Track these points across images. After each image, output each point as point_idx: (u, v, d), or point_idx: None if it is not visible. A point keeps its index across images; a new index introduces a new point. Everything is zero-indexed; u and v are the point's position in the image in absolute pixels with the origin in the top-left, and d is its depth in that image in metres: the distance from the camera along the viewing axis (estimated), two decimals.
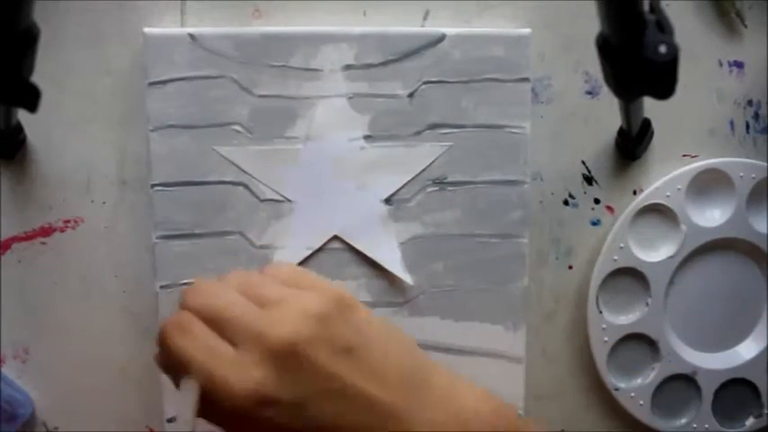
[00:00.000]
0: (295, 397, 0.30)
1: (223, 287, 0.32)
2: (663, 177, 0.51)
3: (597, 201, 0.52)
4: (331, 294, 0.32)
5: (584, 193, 0.52)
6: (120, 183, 0.48)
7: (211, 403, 0.29)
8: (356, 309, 0.32)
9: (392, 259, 0.48)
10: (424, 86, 0.47)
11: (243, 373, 0.29)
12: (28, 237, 0.48)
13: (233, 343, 0.30)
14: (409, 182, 0.48)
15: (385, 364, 0.32)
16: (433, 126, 0.47)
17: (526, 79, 0.48)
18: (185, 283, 0.46)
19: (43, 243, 0.48)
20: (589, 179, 0.51)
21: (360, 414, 0.30)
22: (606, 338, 0.51)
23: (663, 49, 0.35)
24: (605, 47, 0.37)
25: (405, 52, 0.47)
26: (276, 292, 0.32)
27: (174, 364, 0.31)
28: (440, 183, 0.48)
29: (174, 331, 0.31)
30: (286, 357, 0.29)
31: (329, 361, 0.30)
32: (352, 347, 0.31)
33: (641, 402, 0.52)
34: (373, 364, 0.31)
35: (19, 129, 0.46)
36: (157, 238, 0.46)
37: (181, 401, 0.30)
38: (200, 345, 0.30)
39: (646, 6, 0.35)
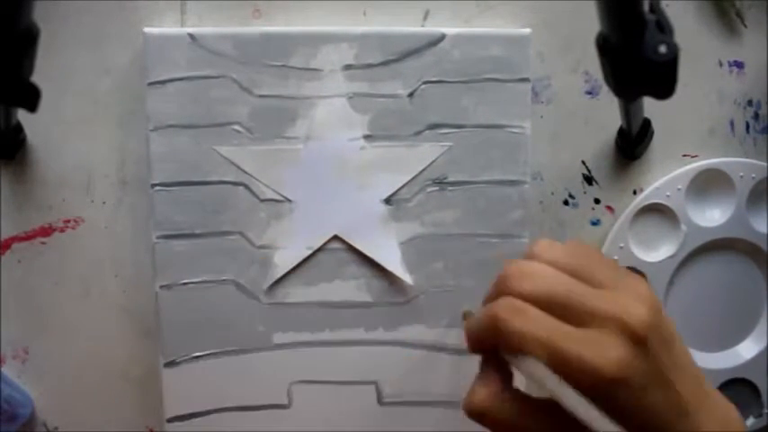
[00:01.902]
0: (644, 380, 0.30)
1: (547, 270, 0.32)
2: (663, 177, 0.51)
3: (597, 201, 0.52)
4: (645, 285, 0.32)
5: (584, 193, 0.52)
6: (120, 183, 0.48)
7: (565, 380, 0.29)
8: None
9: (392, 259, 0.48)
10: (423, 86, 0.47)
11: (604, 352, 0.29)
12: (28, 237, 0.48)
13: (578, 324, 0.30)
14: (409, 182, 0.48)
15: (685, 363, 0.32)
16: (433, 126, 0.47)
17: (526, 79, 0.48)
18: (185, 283, 0.47)
19: (43, 243, 0.48)
20: (589, 179, 0.51)
21: (666, 405, 0.31)
22: None
23: (663, 49, 0.35)
24: (605, 47, 0.37)
25: (405, 52, 0.47)
26: (607, 275, 0.32)
27: (511, 349, 0.31)
28: (440, 183, 0.48)
29: (510, 314, 0.30)
30: (642, 341, 0.29)
31: (661, 350, 0.30)
32: (673, 340, 0.32)
33: None
34: (679, 361, 0.32)
35: (19, 129, 0.46)
36: (157, 238, 0.46)
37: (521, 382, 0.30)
38: (543, 324, 0.30)
39: (646, 6, 0.35)
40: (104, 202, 0.48)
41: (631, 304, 0.30)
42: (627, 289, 0.31)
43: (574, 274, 0.32)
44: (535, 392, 0.32)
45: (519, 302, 0.31)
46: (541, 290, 0.31)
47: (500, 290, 0.32)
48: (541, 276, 0.31)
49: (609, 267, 0.32)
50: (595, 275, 0.32)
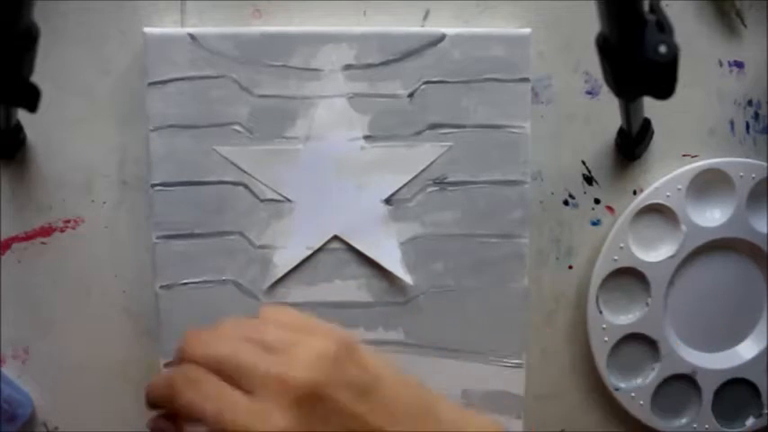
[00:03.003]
0: None
1: (224, 335, 0.32)
2: (663, 177, 0.51)
3: (597, 201, 0.52)
4: (337, 336, 0.32)
5: (585, 193, 0.52)
6: (120, 183, 0.48)
7: None
8: (362, 349, 0.32)
9: (392, 259, 0.48)
10: (424, 86, 0.47)
11: (266, 421, 0.29)
12: (28, 237, 0.48)
13: (247, 391, 0.30)
14: (409, 182, 0.48)
15: (397, 401, 0.32)
16: (433, 126, 0.47)
17: (526, 79, 0.48)
18: (185, 283, 0.47)
19: (43, 243, 0.48)
20: (589, 179, 0.51)
21: None
22: (606, 338, 0.51)
23: (663, 49, 0.35)
24: (605, 47, 0.37)
25: (405, 52, 0.47)
26: (283, 337, 0.31)
27: (186, 419, 0.31)
28: (440, 183, 0.48)
29: (183, 385, 0.31)
30: (308, 401, 0.29)
31: (349, 402, 0.30)
32: (368, 387, 0.31)
33: (641, 402, 0.52)
34: (387, 403, 0.31)
35: (19, 129, 0.46)
36: (157, 238, 0.46)
37: None
38: (213, 396, 0.30)
39: (646, 6, 0.35)
40: (104, 202, 0.48)
41: (295, 365, 0.30)
42: (300, 349, 0.31)
43: (247, 337, 0.32)
44: None
45: (195, 371, 0.31)
46: (211, 354, 0.31)
47: (180, 355, 0.32)
48: (213, 341, 0.32)
49: (286, 328, 0.32)
50: (267, 338, 0.31)
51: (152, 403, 0.33)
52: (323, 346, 0.31)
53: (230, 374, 0.30)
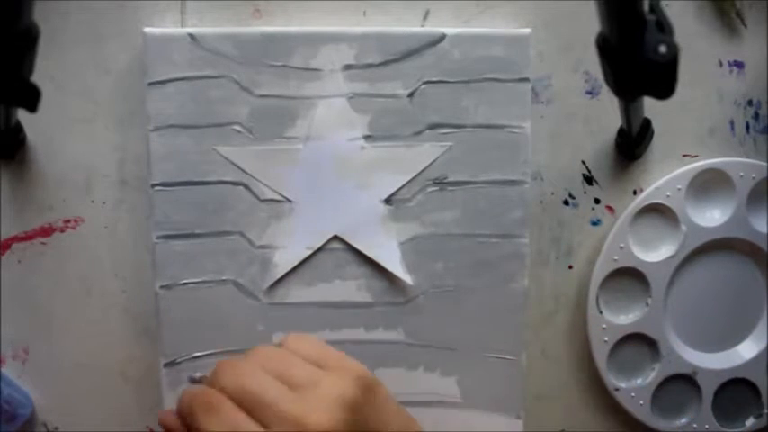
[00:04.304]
0: None
1: (252, 367, 0.33)
2: (663, 177, 0.51)
3: (597, 201, 0.52)
4: (356, 375, 0.33)
5: (585, 193, 0.52)
6: (120, 183, 0.48)
7: None
8: (377, 388, 0.33)
9: (392, 259, 0.48)
10: (424, 86, 0.47)
11: None
12: (28, 237, 0.48)
13: (264, 425, 0.30)
14: (409, 182, 0.48)
15: None
16: (433, 126, 0.47)
17: (526, 79, 0.48)
18: (185, 283, 0.47)
19: (43, 243, 0.48)
20: (589, 179, 0.51)
21: None
22: (606, 338, 0.51)
23: (663, 49, 0.35)
24: (605, 47, 0.37)
25: (405, 52, 0.47)
26: (306, 374, 0.32)
27: None
28: (440, 183, 0.48)
29: (202, 409, 0.31)
30: None
31: None
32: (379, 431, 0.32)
33: (641, 402, 0.52)
34: None
35: (19, 129, 0.46)
36: (157, 238, 0.46)
37: None
38: (229, 424, 0.30)
39: (646, 6, 0.35)
40: (104, 202, 0.48)
41: (314, 407, 0.31)
42: (321, 390, 0.31)
43: (272, 370, 0.32)
44: None
45: (216, 397, 0.32)
46: (238, 385, 0.32)
47: (210, 380, 0.33)
48: (241, 372, 0.32)
49: (310, 363, 0.33)
50: (292, 373, 0.32)
51: (178, 416, 0.33)
52: (343, 389, 0.32)
53: (250, 407, 0.31)
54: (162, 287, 0.47)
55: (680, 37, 0.35)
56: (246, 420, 0.31)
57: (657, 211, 0.51)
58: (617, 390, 0.52)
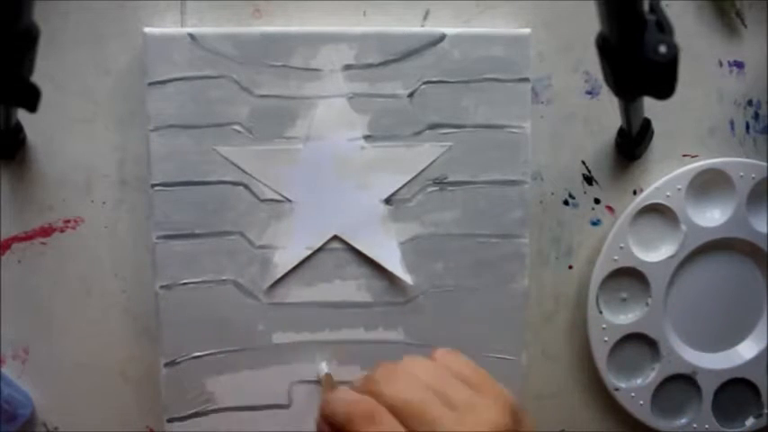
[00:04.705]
0: None
1: (414, 380, 0.33)
2: (663, 177, 0.51)
3: (597, 201, 0.52)
4: (509, 403, 0.33)
5: (585, 193, 0.52)
6: (120, 183, 0.48)
7: None
8: (525, 419, 0.33)
9: (392, 259, 0.48)
10: (424, 86, 0.47)
11: None
12: (28, 237, 0.48)
13: None
14: (409, 182, 0.48)
15: None
16: (433, 126, 0.47)
17: (526, 79, 0.48)
18: (185, 283, 0.47)
19: (43, 243, 0.48)
20: (589, 179, 0.51)
21: None
22: (606, 338, 0.51)
23: (663, 49, 0.35)
24: (605, 47, 0.37)
25: (405, 52, 0.47)
26: (463, 397, 0.32)
27: None
28: (440, 183, 0.48)
29: (363, 419, 0.31)
30: None
31: None
32: None
33: (641, 402, 0.52)
34: None
35: (19, 129, 0.46)
36: (157, 238, 0.46)
37: None
38: None
39: (646, 6, 0.35)
40: (104, 202, 0.48)
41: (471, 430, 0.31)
42: (478, 415, 0.32)
43: (431, 386, 0.32)
44: None
45: (376, 409, 0.32)
46: (401, 397, 0.32)
47: (368, 385, 0.33)
48: (403, 384, 0.32)
49: (466, 385, 0.33)
50: (449, 393, 0.32)
51: (326, 419, 0.34)
52: (497, 417, 0.32)
53: (410, 420, 0.31)
54: (162, 287, 0.47)
55: (680, 37, 0.35)
56: None
57: (657, 211, 0.51)
58: (617, 390, 0.52)
